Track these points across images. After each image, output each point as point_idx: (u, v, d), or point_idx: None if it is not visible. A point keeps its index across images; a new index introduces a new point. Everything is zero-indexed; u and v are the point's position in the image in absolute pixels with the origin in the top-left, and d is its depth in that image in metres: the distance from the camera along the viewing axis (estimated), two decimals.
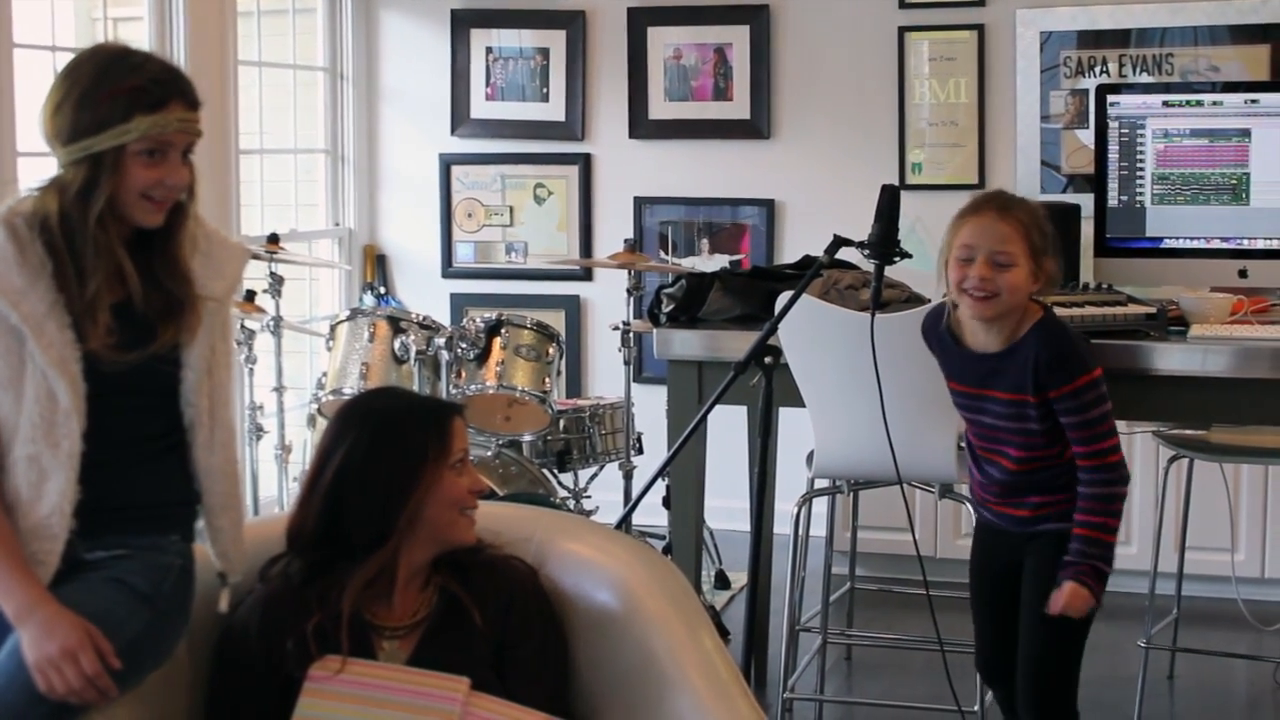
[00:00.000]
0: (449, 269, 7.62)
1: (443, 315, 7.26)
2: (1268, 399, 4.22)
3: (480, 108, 7.52)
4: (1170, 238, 4.71)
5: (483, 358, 5.73)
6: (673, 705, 2.97)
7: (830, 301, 4.35)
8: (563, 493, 5.94)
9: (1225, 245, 4.67)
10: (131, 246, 2.89)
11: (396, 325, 5.78)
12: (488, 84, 7.50)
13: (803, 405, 4.42)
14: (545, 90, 7.43)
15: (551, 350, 5.82)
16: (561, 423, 6.02)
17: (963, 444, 4.67)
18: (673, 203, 7.31)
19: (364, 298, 7.53)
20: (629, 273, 5.98)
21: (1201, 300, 4.44)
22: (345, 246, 7.61)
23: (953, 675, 4.19)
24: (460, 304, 7.51)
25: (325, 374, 5.84)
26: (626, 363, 6.01)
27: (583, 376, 7.47)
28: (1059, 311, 4.26)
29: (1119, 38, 6.67)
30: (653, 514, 5.78)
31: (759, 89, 7.13)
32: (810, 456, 4.58)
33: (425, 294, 7.53)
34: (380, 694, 2.91)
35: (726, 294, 4.73)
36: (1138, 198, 4.70)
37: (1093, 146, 4.87)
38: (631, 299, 6.03)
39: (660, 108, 7.29)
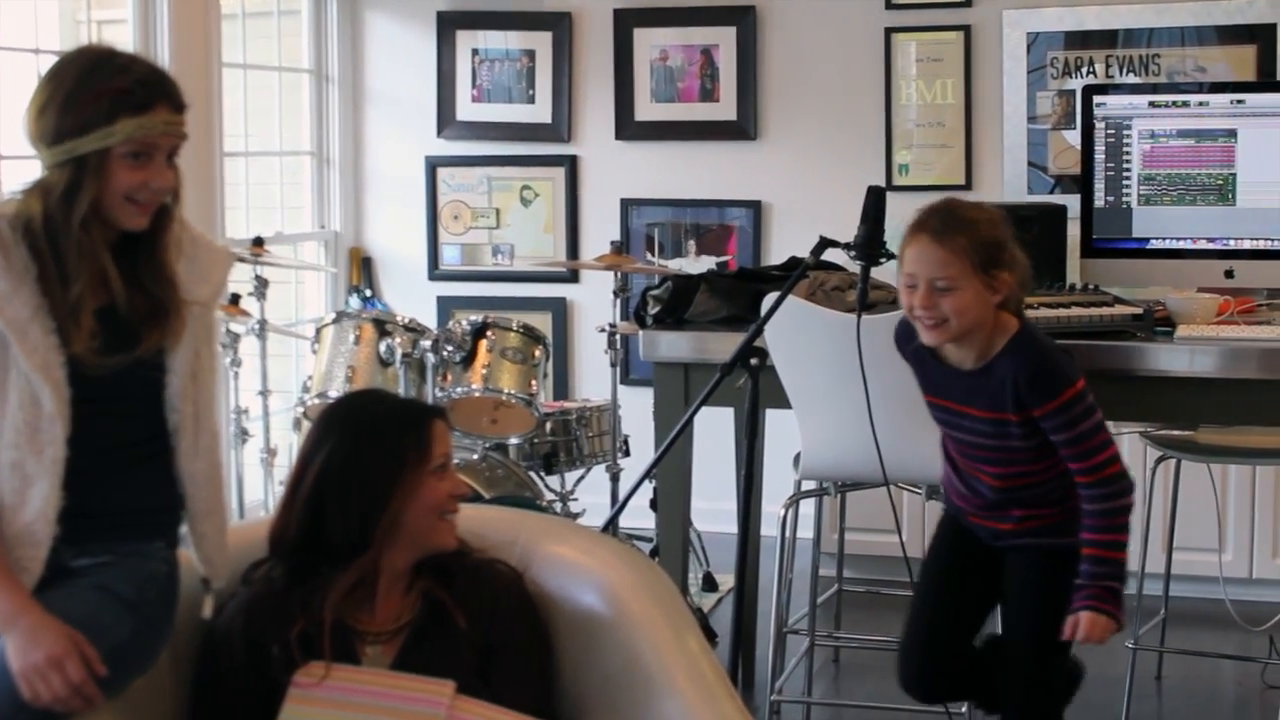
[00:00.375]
0: (435, 271, 7.61)
1: (429, 318, 7.24)
2: (1255, 399, 4.22)
3: (466, 110, 7.50)
4: (1157, 238, 4.70)
5: (469, 360, 5.71)
6: (659, 708, 2.97)
7: (816, 303, 4.34)
8: (549, 495, 5.92)
9: (1212, 246, 4.67)
10: (116, 250, 2.88)
11: (382, 328, 5.77)
12: (474, 86, 7.49)
13: (789, 407, 4.41)
14: (531, 92, 7.42)
15: (538, 353, 5.81)
16: (548, 425, 6.00)
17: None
18: (659, 204, 7.30)
19: (350, 300, 7.51)
20: (615, 275, 5.97)
21: (1188, 301, 4.44)
22: (331, 249, 7.59)
23: None
24: (447, 306, 7.49)
25: (311, 377, 5.82)
26: (613, 365, 6.00)
27: (569, 379, 7.45)
28: (1045, 313, 4.27)
29: (1106, 38, 6.67)
30: (640, 516, 5.77)
31: (745, 90, 7.12)
32: (797, 458, 4.57)
33: (411, 297, 7.51)
34: (365, 699, 2.90)
35: (713, 296, 4.72)
36: (1124, 198, 4.70)
37: (1080, 147, 4.87)
38: (618, 301, 6.02)
39: (647, 109, 7.28)
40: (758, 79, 7.12)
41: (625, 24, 7.25)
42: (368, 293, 7.56)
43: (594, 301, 7.26)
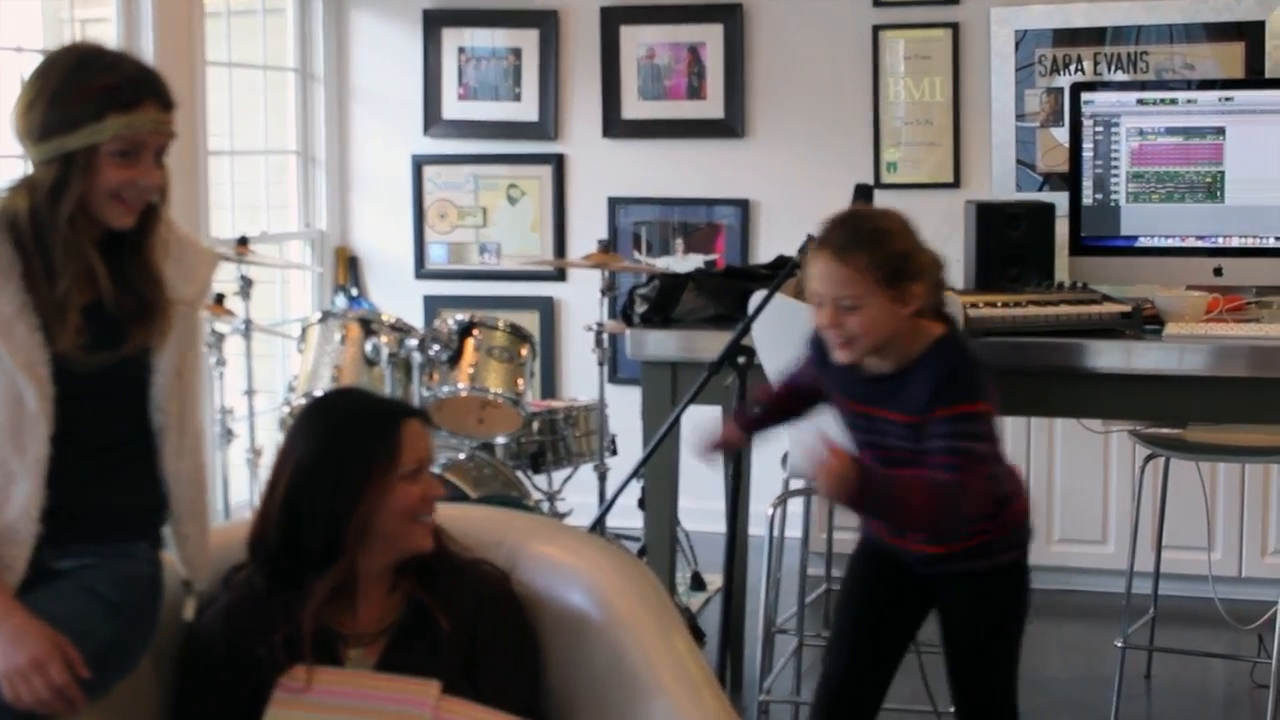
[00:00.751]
0: (421, 270, 7.59)
1: (415, 317, 7.22)
2: (1243, 397, 4.21)
3: (452, 108, 7.48)
4: (1145, 236, 4.69)
5: (455, 360, 5.70)
6: (646, 709, 2.96)
7: (804, 301, 4.32)
8: (536, 495, 5.91)
9: (1200, 244, 4.66)
10: (103, 248, 2.87)
11: (368, 327, 5.75)
12: (460, 84, 7.46)
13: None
14: (518, 90, 7.40)
15: (525, 352, 5.80)
16: (535, 424, 5.99)
17: None
18: (647, 203, 7.28)
19: (335, 300, 7.49)
20: (603, 273, 5.95)
21: (1177, 299, 4.43)
22: (316, 248, 7.57)
23: (928, 676, 4.17)
24: (433, 305, 7.47)
25: (296, 377, 5.81)
26: (600, 364, 5.99)
27: (556, 378, 7.44)
28: (1034, 311, 4.26)
29: (1094, 36, 6.66)
30: (627, 516, 5.75)
31: (733, 88, 7.11)
32: (785, 457, 4.56)
33: (398, 296, 7.49)
34: (349, 701, 2.89)
35: (700, 294, 4.71)
36: (1112, 196, 4.68)
37: (1068, 145, 4.86)
38: (605, 300, 6.01)
39: (634, 107, 7.26)
40: (745, 77, 7.11)
41: (612, 22, 7.24)
42: (354, 292, 7.54)
43: (581, 300, 7.24)
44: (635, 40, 7.23)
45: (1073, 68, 6.66)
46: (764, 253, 6.93)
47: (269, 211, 7.38)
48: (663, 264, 7.03)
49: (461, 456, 5.70)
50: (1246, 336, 4.21)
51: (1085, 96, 4.71)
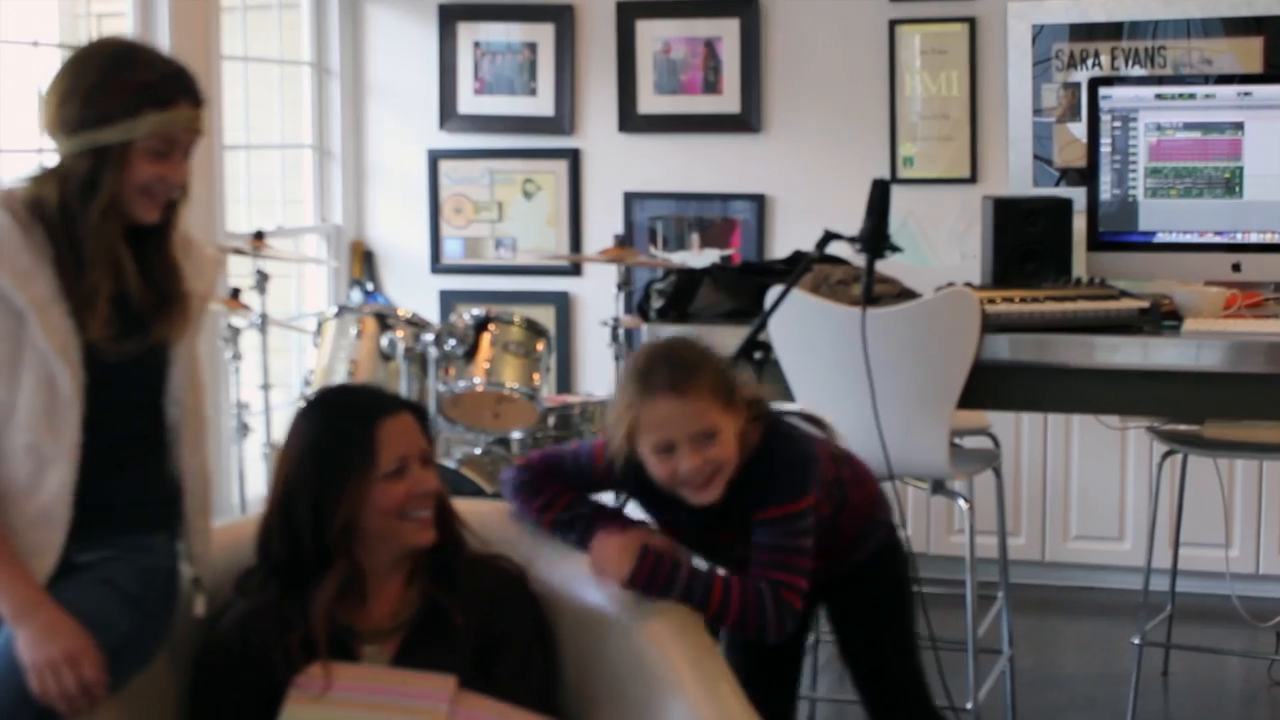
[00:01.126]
0: (437, 265, 7.58)
1: (431, 312, 7.22)
2: (1262, 394, 4.19)
3: (468, 102, 7.47)
4: (1163, 231, 4.67)
5: (471, 354, 5.70)
6: (664, 705, 2.96)
7: (821, 297, 4.32)
8: None
9: (1219, 239, 4.64)
10: (126, 241, 2.88)
11: (384, 322, 5.76)
12: (475, 78, 7.46)
13: (794, 400, 4.39)
14: (533, 85, 7.39)
15: (540, 346, 5.80)
16: (551, 419, 5.98)
17: (955, 440, 4.66)
18: (663, 198, 7.27)
19: (351, 294, 7.49)
20: (619, 268, 5.95)
21: (1195, 294, 4.41)
22: (332, 243, 7.57)
23: (945, 672, 4.16)
24: (449, 300, 7.47)
25: (312, 371, 5.81)
26: (616, 359, 5.99)
27: (572, 373, 7.43)
28: (1052, 307, 4.24)
29: (1111, 30, 6.64)
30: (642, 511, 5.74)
31: (749, 83, 7.09)
32: None
33: (413, 290, 7.49)
34: (366, 696, 2.89)
35: (717, 289, 4.70)
36: (1130, 191, 4.67)
37: (1085, 140, 4.84)
38: (621, 295, 6.01)
39: (649, 102, 7.25)
40: (761, 71, 7.10)
41: (627, 16, 7.23)
42: (369, 286, 7.54)
43: (597, 295, 7.23)
44: (651, 35, 7.22)
45: (1090, 62, 6.65)
46: (780, 248, 6.92)
47: (284, 206, 7.38)
48: (679, 259, 7.01)
49: (477, 451, 5.70)
50: (1265, 332, 4.19)
51: (1103, 91, 4.69)
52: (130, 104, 2.80)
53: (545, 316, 6.85)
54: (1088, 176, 4.75)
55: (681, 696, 2.94)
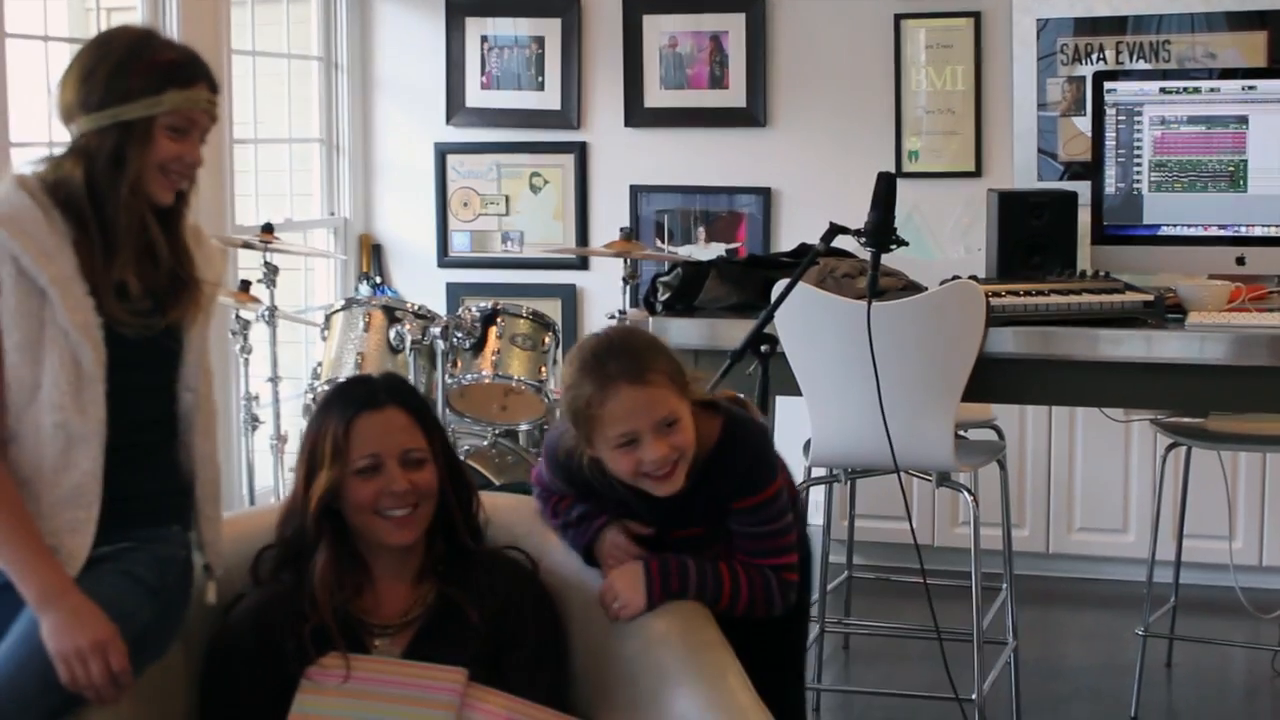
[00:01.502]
0: (445, 258, 7.60)
1: (438, 304, 7.24)
2: (1265, 386, 4.21)
3: (475, 96, 7.49)
4: (1168, 225, 4.69)
5: (478, 347, 5.72)
6: (672, 696, 2.97)
7: (827, 290, 4.34)
8: None
9: (1223, 233, 4.66)
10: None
11: (392, 315, 5.77)
12: (483, 72, 7.48)
13: (799, 394, 4.41)
14: (541, 79, 7.41)
15: (547, 339, 5.81)
16: (558, 412, 5.99)
17: (960, 433, 4.68)
18: (669, 191, 7.29)
19: (359, 287, 7.51)
20: (625, 261, 5.96)
21: (1199, 288, 4.43)
22: (340, 236, 7.59)
23: (950, 663, 4.19)
24: (456, 293, 7.49)
25: (320, 364, 5.83)
26: None
27: None
28: (1056, 300, 4.26)
29: (1116, 25, 6.65)
30: None
31: (755, 77, 7.11)
32: (807, 445, 4.57)
33: (421, 283, 7.51)
34: (378, 687, 2.90)
35: (723, 282, 4.71)
36: (1135, 185, 4.69)
37: (1090, 134, 4.86)
38: (628, 288, 6.02)
39: (656, 96, 7.26)
40: (767, 66, 7.11)
41: (634, 10, 7.24)
42: (377, 279, 7.56)
43: (604, 288, 7.25)
44: (657, 29, 7.23)
45: (1094, 57, 6.66)
46: (786, 241, 6.94)
47: (293, 199, 7.40)
48: (685, 252, 7.03)
49: (485, 443, 5.72)
50: (1269, 326, 4.21)
51: (1108, 85, 4.71)
52: (154, 81, 2.86)
53: (552, 309, 6.86)
54: (1092, 170, 4.77)
55: (691, 687, 2.95)
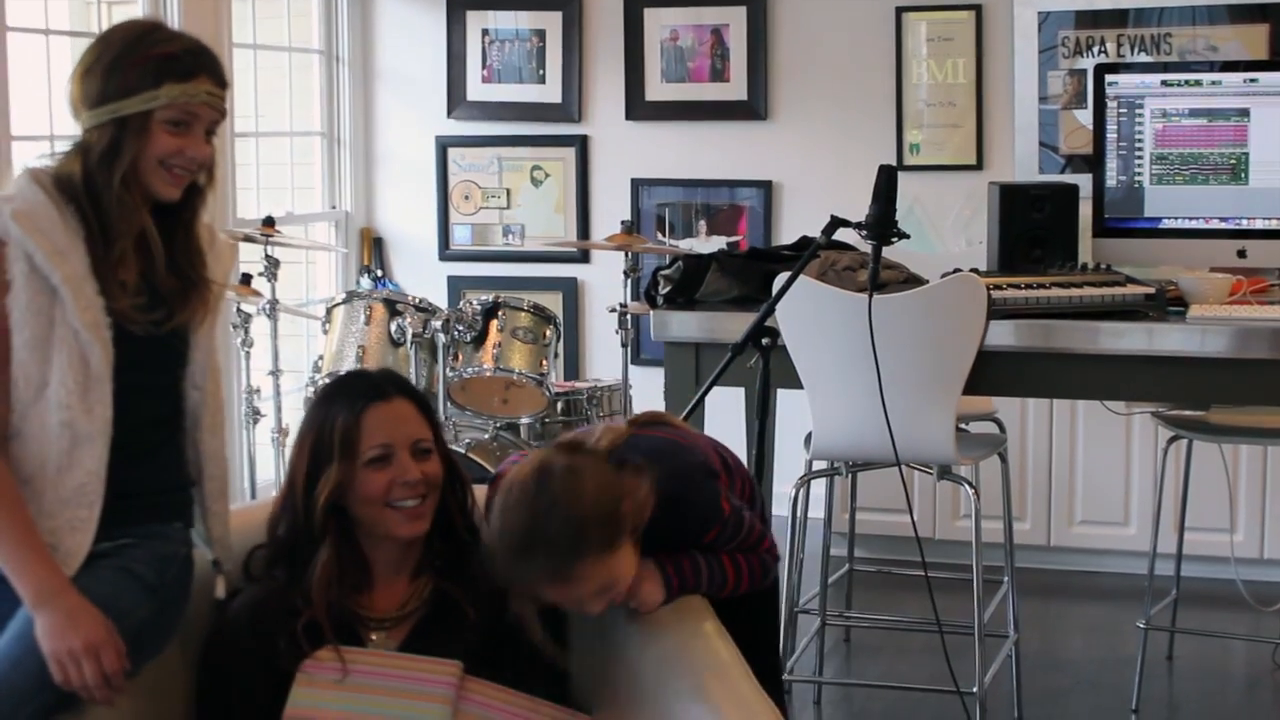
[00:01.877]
0: (446, 251, 7.61)
1: (440, 298, 7.24)
2: (1266, 379, 4.21)
3: (476, 90, 7.50)
4: (1169, 218, 4.69)
5: (480, 340, 5.73)
6: (674, 688, 2.96)
7: (828, 283, 4.34)
8: None
9: (1224, 225, 4.66)
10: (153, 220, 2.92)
11: (393, 308, 5.78)
12: (484, 66, 7.48)
13: (800, 387, 4.41)
14: (542, 72, 7.41)
15: (549, 332, 5.82)
16: (559, 405, 6.01)
17: (961, 426, 4.68)
18: (670, 184, 7.29)
19: (360, 280, 7.52)
20: (626, 255, 5.96)
21: (1200, 280, 4.42)
22: (342, 229, 7.60)
23: (951, 656, 4.19)
24: (457, 286, 7.50)
25: (322, 357, 5.84)
26: (624, 345, 6.01)
27: (580, 359, 7.45)
28: (1058, 293, 4.26)
29: (1117, 18, 6.65)
30: None
31: (756, 70, 7.11)
32: (808, 438, 4.57)
33: (422, 277, 7.52)
34: (374, 680, 2.90)
35: (724, 275, 4.71)
36: (1136, 178, 4.69)
37: (1091, 127, 4.85)
38: (629, 281, 6.02)
39: (657, 89, 7.27)
40: (768, 59, 7.11)
41: (635, 4, 7.24)
42: (378, 273, 7.57)
43: (605, 281, 7.25)
44: (658, 22, 7.23)
45: (1095, 50, 6.66)
46: (787, 234, 6.94)
47: (294, 193, 7.41)
48: (686, 245, 7.04)
49: (486, 437, 5.72)
50: (1270, 319, 4.21)
51: (1109, 78, 4.70)
52: (150, 75, 2.85)
53: (553, 303, 6.87)
54: (1094, 163, 4.77)
55: (691, 680, 2.94)
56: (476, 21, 7.47)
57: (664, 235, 7.25)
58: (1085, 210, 4.73)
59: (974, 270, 4.37)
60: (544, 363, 5.77)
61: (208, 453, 3.02)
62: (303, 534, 3.00)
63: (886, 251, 4.00)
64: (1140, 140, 4.67)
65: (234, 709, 2.95)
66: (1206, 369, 4.23)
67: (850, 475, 5.05)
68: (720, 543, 3.11)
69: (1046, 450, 6.35)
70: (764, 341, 3.84)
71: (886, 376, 4.01)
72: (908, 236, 3.96)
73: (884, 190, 3.89)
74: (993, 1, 6.80)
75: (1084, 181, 4.86)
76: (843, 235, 3.98)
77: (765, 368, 3.85)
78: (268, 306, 5.85)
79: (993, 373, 4.29)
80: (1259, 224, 4.63)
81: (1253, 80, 4.65)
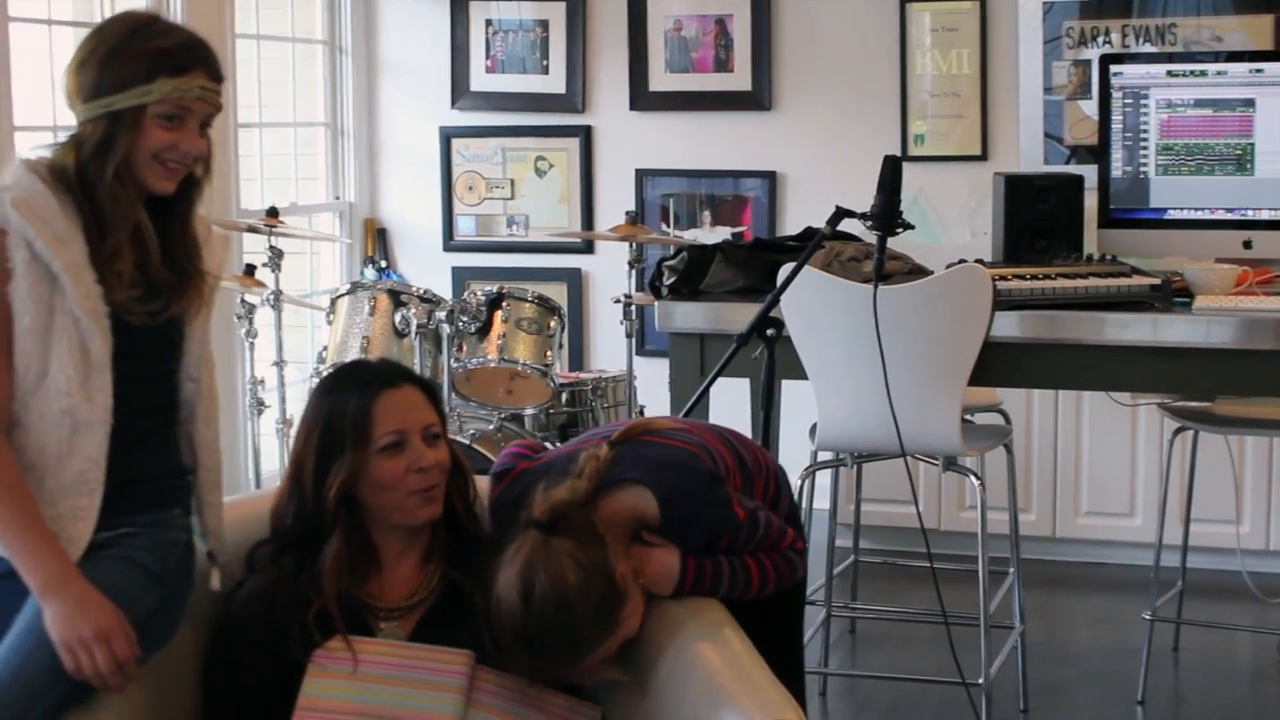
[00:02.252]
0: (450, 242, 7.60)
1: (444, 288, 7.24)
2: (1272, 370, 4.20)
3: (480, 80, 7.49)
4: (1174, 209, 4.68)
5: (484, 331, 5.72)
6: (685, 677, 2.95)
7: (832, 273, 4.33)
8: None
9: (1230, 216, 4.65)
10: (148, 213, 2.91)
11: (397, 299, 5.77)
12: (487, 56, 7.47)
13: (805, 377, 4.41)
14: (545, 62, 7.40)
15: (553, 323, 5.81)
16: (564, 396, 6.00)
17: (967, 417, 4.67)
18: (674, 175, 7.29)
19: (365, 271, 7.51)
20: (630, 245, 5.96)
21: (1206, 271, 4.42)
22: (345, 220, 7.59)
23: (957, 647, 4.19)
24: (461, 277, 7.49)
25: (326, 348, 5.83)
26: (628, 335, 6.00)
27: (584, 349, 7.45)
28: (1063, 284, 4.26)
29: (1121, 7, 6.63)
30: None
31: (760, 60, 7.10)
32: (813, 429, 4.57)
33: (426, 267, 7.51)
34: (385, 670, 2.90)
35: (728, 266, 4.71)
36: (1141, 169, 4.68)
37: (1096, 117, 4.85)
38: (633, 272, 6.02)
39: (661, 80, 7.26)
40: (772, 49, 7.10)
41: None
42: (382, 264, 7.56)
43: (609, 272, 7.25)
44: (662, 12, 7.22)
45: (1100, 40, 6.65)
46: (791, 224, 6.94)
47: (298, 183, 7.40)
48: (690, 236, 7.03)
49: (490, 427, 5.72)
50: (1276, 309, 4.20)
51: (1114, 69, 4.70)
52: (144, 69, 2.83)
53: (557, 293, 6.86)
54: (1099, 154, 4.76)
55: (703, 669, 2.93)
56: (480, 12, 7.46)
57: (668, 226, 7.25)
58: (1090, 201, 4.72)
59: (979, 261, 4.36)
60: (548, 353, 5.77)
61: (202, 443, 3.02)
62: (311, 523, 3.00)
63: (891, 242, 4.00)
64: (1145, 131, 4.67)
65: (244, 699, 2.95)
66: (1212, 360, 4.23)
67: (855, 466, 5.04)
68: (738, 546, 3.09)
69: (1052, 441, 6.35)
70: (769, 332, 3.84)
71: (892, 367, 4.01)
72: (912, 227, 3.97)
73: (889, 181, 3.89)
74: None
75: (1089, 172, 4.86)
76: (847, 226, 3.98)
77: (770, 358, 3.85)
78: (272, 297, 5.84)
79: (998, 364, 4.29)
80: (1265, 215, 4.62)
81: (1258, 70, 4.64)
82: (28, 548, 2.75)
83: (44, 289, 2.79)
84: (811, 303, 4.28)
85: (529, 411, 5.93)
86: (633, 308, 5.95)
